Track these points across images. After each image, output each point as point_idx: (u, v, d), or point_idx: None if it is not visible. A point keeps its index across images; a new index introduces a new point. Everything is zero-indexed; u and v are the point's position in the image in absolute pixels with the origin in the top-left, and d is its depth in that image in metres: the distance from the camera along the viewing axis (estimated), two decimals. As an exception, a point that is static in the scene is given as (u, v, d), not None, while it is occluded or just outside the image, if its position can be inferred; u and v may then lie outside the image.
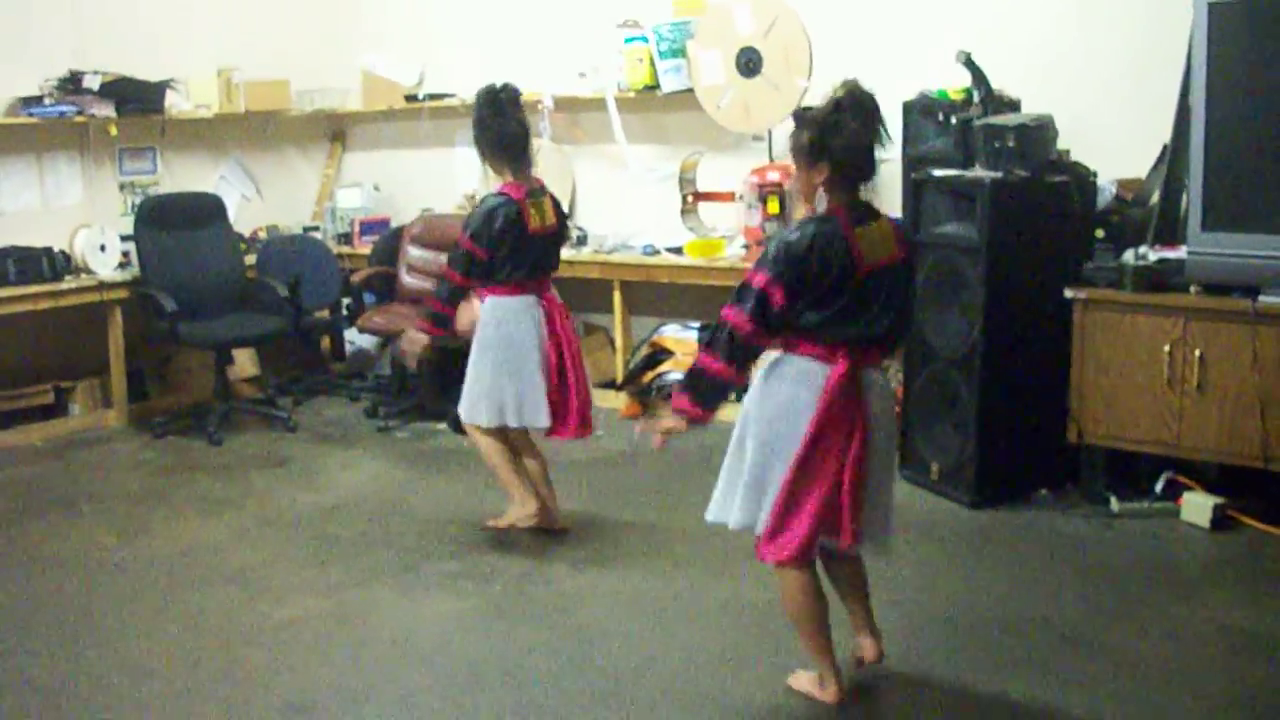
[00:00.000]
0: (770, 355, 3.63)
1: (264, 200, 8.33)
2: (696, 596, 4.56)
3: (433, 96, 8.01)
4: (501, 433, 5.07)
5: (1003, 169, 5.35)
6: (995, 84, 5.89)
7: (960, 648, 4.17)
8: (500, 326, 4.96)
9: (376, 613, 4.58)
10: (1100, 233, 5.72)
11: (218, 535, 5.42)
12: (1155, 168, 5.76)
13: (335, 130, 8.76)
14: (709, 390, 3.55)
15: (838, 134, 3.41)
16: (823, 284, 3.41)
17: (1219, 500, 5.14)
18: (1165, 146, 5.66)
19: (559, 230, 5.10)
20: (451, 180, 8.14)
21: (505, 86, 4.98)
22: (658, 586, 4.71)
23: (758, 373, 3.68)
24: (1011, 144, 5.31)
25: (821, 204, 3.55)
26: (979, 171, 5.42)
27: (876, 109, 3.47)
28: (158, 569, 5.05)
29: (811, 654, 3.78)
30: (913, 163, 6.09)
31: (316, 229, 8.21)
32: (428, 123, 8.18)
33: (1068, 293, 5.37)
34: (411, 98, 8.06)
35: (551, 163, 7.71)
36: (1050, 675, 3.94)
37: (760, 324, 3.43)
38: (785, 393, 3.55)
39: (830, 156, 3.44)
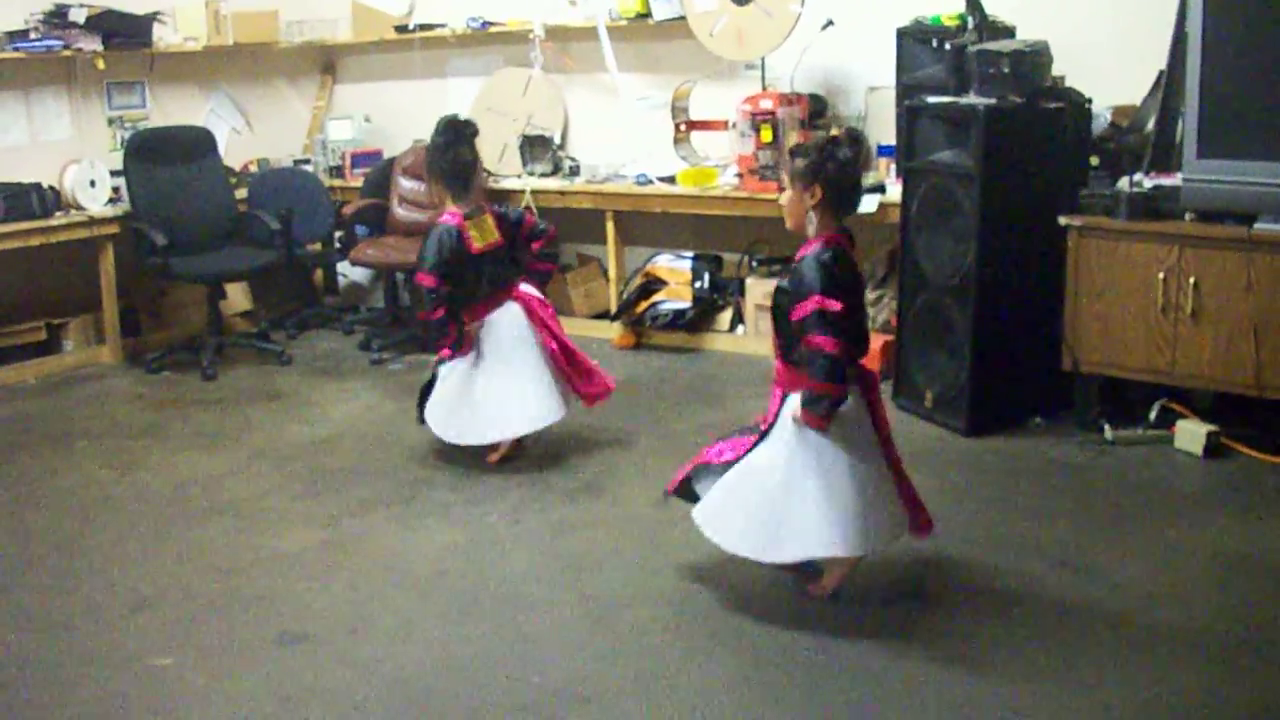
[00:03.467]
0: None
1: (254, 133, 8.28)
2: (690, 521, 4.55)
3: (423, 27, 7.93)
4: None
5: (997, 95, 5.31)
6: (990, 10, 5.84)
7: (952, 574, 4.19)
8: (490, 345, 5.20)
9: (373, 543, 4.60)
10: (1095, 160, 5.69)
11: (213, 469, 5.42)
12: (1151, 94, 5.73)
13: (326, 62, 8.68)
14: (832, 406, 3.74)
15: (833, 160, 3.72)
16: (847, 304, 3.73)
17: (1212, 428, 5.14)
18: (1161, 73, 5.63)
19: (510, 241, 5.28)
20: (444, 111, 8.04)
21: (465, 121, 5.29)
22: (650, 513, 4.73)
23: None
24: (1006, 70, 5.27)
25: (811, 227, 3.79)
26: (973, 98, 5.38)
27: (866, 149, 3.98)
28: (153, 502, 5.06)
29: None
30: (907, 90, 6.05)
31: (307, 162, 8.16)
32: (418, 53, 8.10)
33: (1062, 220, 5.35)
34: (402, 28, 7.98)
35: (543, 92, 7.66)
36: (1043, 599, 3.96)
37: (841, 339, 3.67)
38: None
39: (825, 180, 3.73)
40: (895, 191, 5.93)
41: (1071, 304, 5.40)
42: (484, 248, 5.16)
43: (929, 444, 5.39)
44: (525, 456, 5.35)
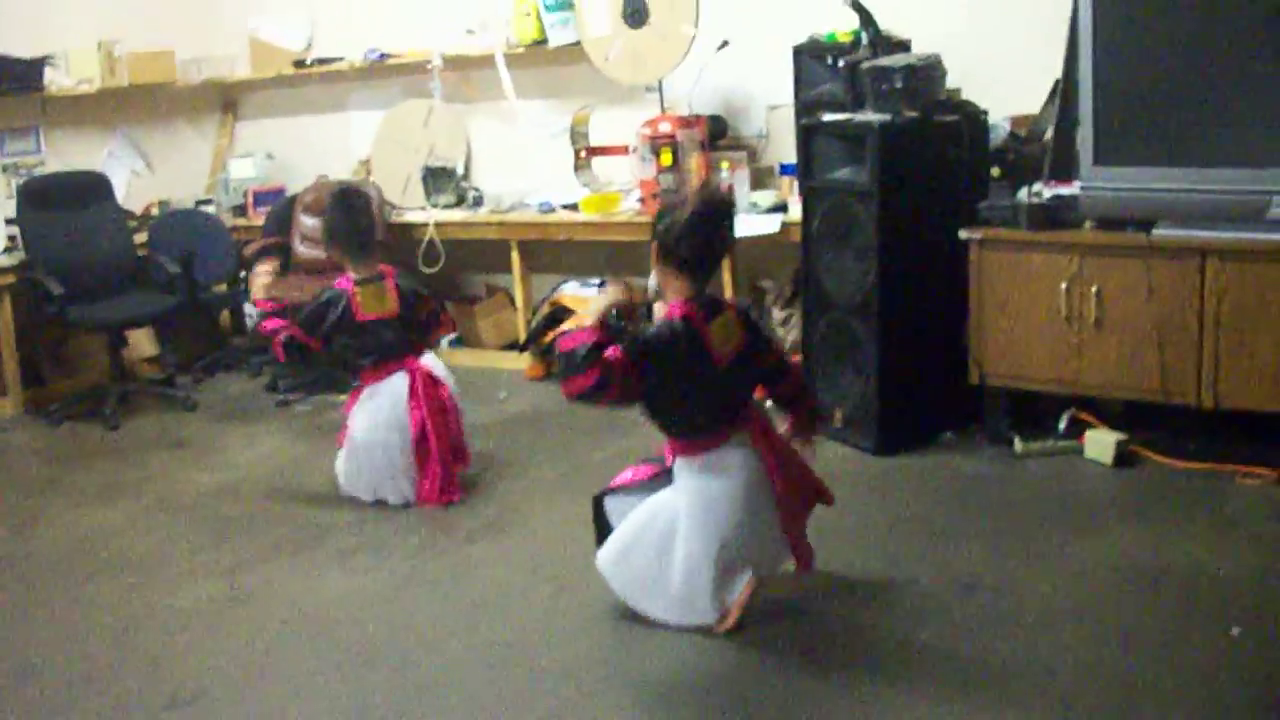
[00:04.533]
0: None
1: (155, 175, 8.11)
2: (593, 559, 4.46)
3: (321, 61, 7.82)
4: None
5: (891, 111, 5.28)
6: (884, 25, 5.82)
7: (857, 601, 4.13)
8: (372, 408, 5.20)
9: (271, 594, 4.48)
10: (996, 171, 5.67)
11: (113, 522, 5.28)
12: (1048, 102, 5.71)
13: (226, 100, 8.54)
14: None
15: (674, 234, 3.73)
16: (674, 371, 3.75)
17: (1121, 436, 5.12)
18: (1057, 81, 5.61)
19: (404, 312, 5.25)
20: (346, 144, 7.98)
21: (357, 190, 5.54)
22: (555, 551, 4.63)
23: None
24: (899, 85, 5.23)
25: (668, 300, 3.86)
26: (868, 115, 5.35)
27: (730, 212, 3.97)
28: (50, 560, 4.91)
29: None
30: (806, 108, 6.02)
31: (210, 202, 8.01)
32: (317, 87, 8.00)
33: (962, 233, 5.32)
34: (300, 63, 7.87)
35: (444, 123, 7.58)
36: (945, 620, 3.91)
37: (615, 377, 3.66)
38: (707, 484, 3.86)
39: (680, 256, 3.76)
40: (797, 211, 5.89)
41: (976, 317, 5.37)
42: (372, 316, 5.17)
43: (839, 465, 5.33)
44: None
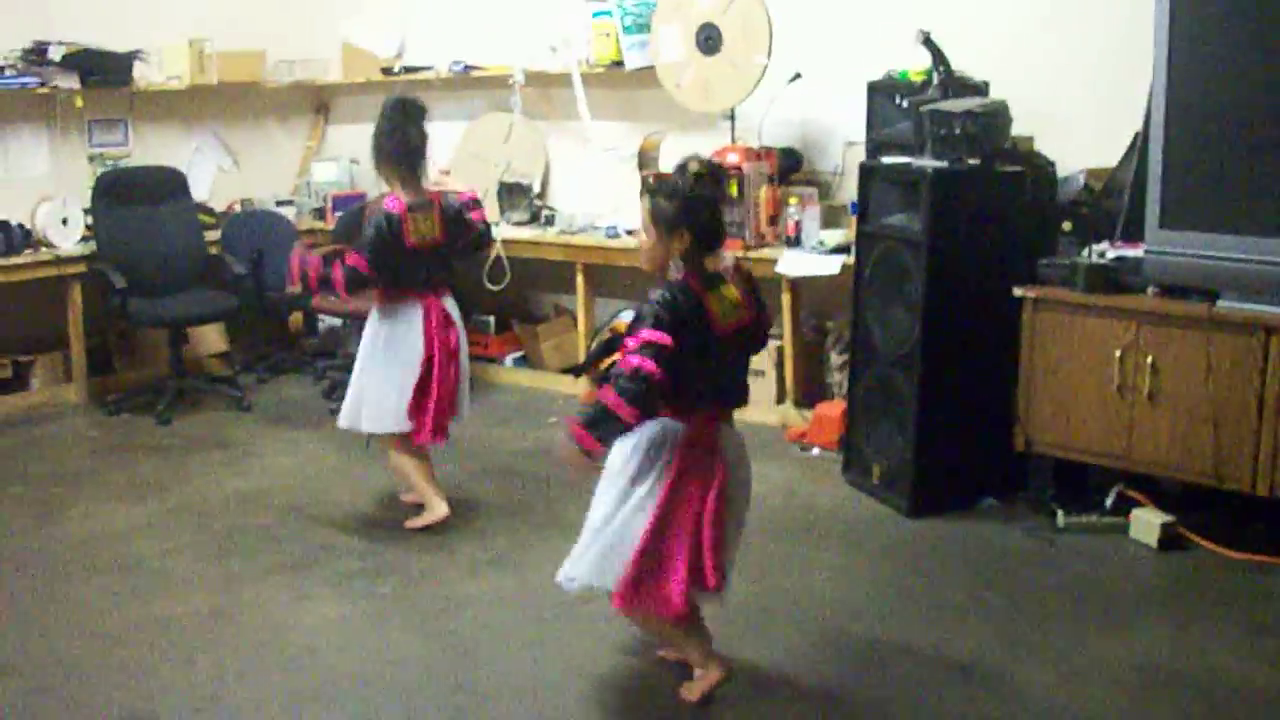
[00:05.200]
0: None
1: (242, 172, 8.16)
2: (590, 603, 4.27)
3: (409, 69, 7.79)
4: (405, 440, 5.05)
5: (950, 157, 5.02)
6: (963, 65, 5.56)
7: (840, 662, 3.94)
8: (386, 335, 5.00)
9: (258, 612, 4.40)
10: (1067, 226, 5.39)
11: (130, 523, 5.27)
12: (1127, 156, 5.40)
13: (318, 102, 8.57)
14: (613, 433, 3.45)
15: (702, 203, 3.48)
16: (682, 346, 3.39)
17: (1168, 519, 4.80)
18: (1137, 134, 5.30)
19: (448, 240, 5.03)
20: (430, 153, 7.91)
21: (413, 99, 4.99)
22: (552, 596, 4.38)
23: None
24: (958, 131, 4.97)
25: (675, 271, 3.53)
26: (925, 160, 5.10)
27: (724, 186, 3.73)
28: (56, 558, 4.91)
29: (692, 656, 3.75)
30: (875, 147, 5.79)
31: (290, 203, 8.03)
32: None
33: (1016, 291, 5.04)
34: (388, 70, 7.85)
35: (524, 139, 7.48)
36: (922, 708, 3.67)
37: (666, 372, 3.35)
38: (645, 452, 3.54)
39: (695, 225, 3.47)
40: (859, 254, 5.66)
41: (1025, 380, 5.08)
42: (419, 243, 4.88)
43: (869, 524, 5.10)
44: (448, 523, 5.11)
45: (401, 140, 4.87)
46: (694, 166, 3.49)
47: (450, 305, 5.07)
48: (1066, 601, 4.39)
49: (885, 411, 5.29)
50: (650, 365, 3.32)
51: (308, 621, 4.34)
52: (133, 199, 6.96)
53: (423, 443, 5.03)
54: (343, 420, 5.13)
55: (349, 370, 6.83)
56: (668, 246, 3.49)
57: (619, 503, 3.57)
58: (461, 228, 5.09)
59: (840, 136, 6.46)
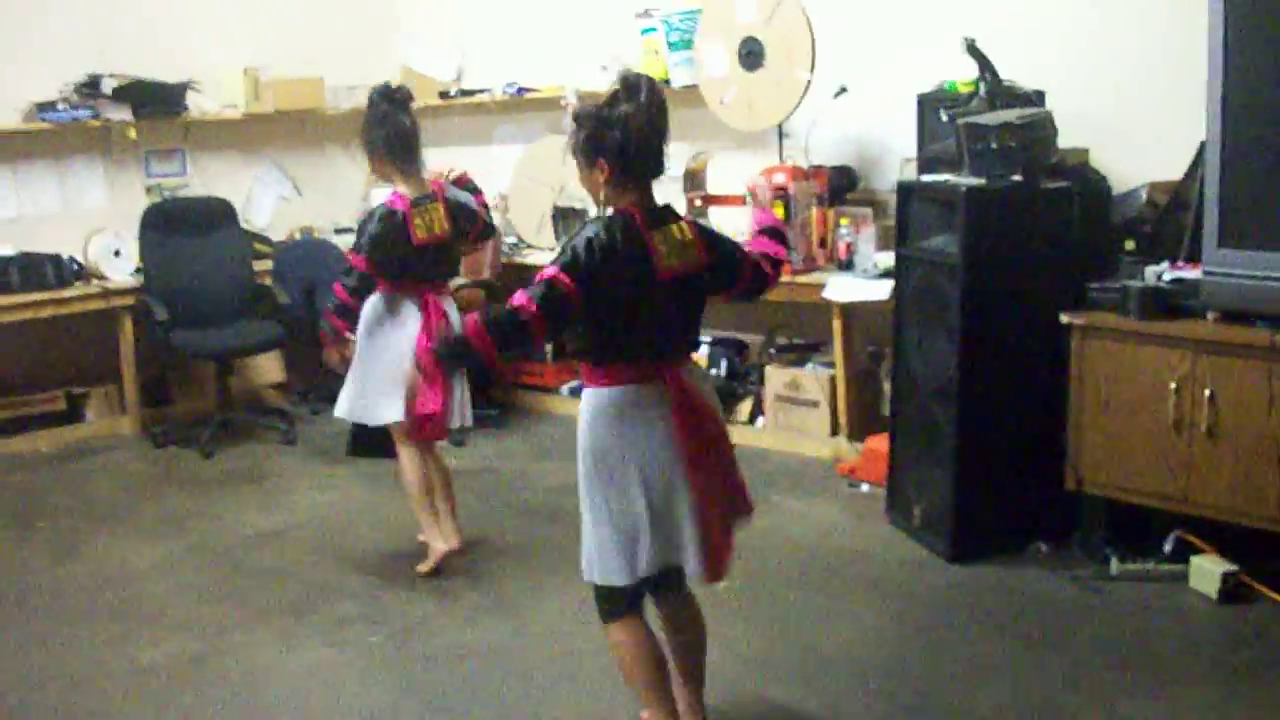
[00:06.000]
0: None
1: (304, 200, 8.08)
2: (595, 655, 3.93)
3: (465, 92, 7.62)
4: (419, 454, 4.84)
5: (988, 174, 4.65)
6: (1015, 74, 5.18)
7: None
8: (387, 325, 4.75)
9: (242, 659, 4.22)
10: (1130, 244, 4.97)
11: (145, 562, 5.14)
12: (1192, 168, 4.95)
13: (382, 128, 8.45)
14: (457, 357, 3.38)
15: (615, 127, 3.04)
16: (617, 289, 3.05)
17: (1231, 568, 4.33)
18: (1203, 144, 4.85)
19: (456, 233, 4.77)
20: (488, 178, 7.73)
21: (399, 86, 4.77)
22: (549, 648, 4.21)
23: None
24: (994, 145, 4.59)
25: (609, 203, 3.15)
26: (962, 177, 4.73)
27: (656, 97, 3.08)
28: (62, 598, 4.80)
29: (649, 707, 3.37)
30: (927, 164, 5.43)
31: (349, 230, 7.91)
32: (462, 119, 7.80)
33: (1064, 317, 4.63)
34: (444, 94, 7.69)
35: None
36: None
37: (545, 310, 3.01)
38: (598, 427, 3.18)
39: (609, 152, 3.06)
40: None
41: (1075, 414, 4.67)
42: (427, 239, 4.67)
43: (905, 570, 4.73)
44: (458, 564, 4.89)
45: (394, 129, 4.64)
46: (614, 84, 3.11)
47: (449, 305, 4.82)
48: (1107, 660, 3.97)
49: (926, 447, 4.92)
50: (532, 309, 2.99)
51: (289, 669, 4.15)
52: (181, 230, 6.91)
53: (424, 439, 4.79)
54: (338, 410, 4.93)
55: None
56: (594, 181, 3.12)
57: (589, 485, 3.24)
58: (469, 219, 4.85)
59: (898, 153, 6.09)
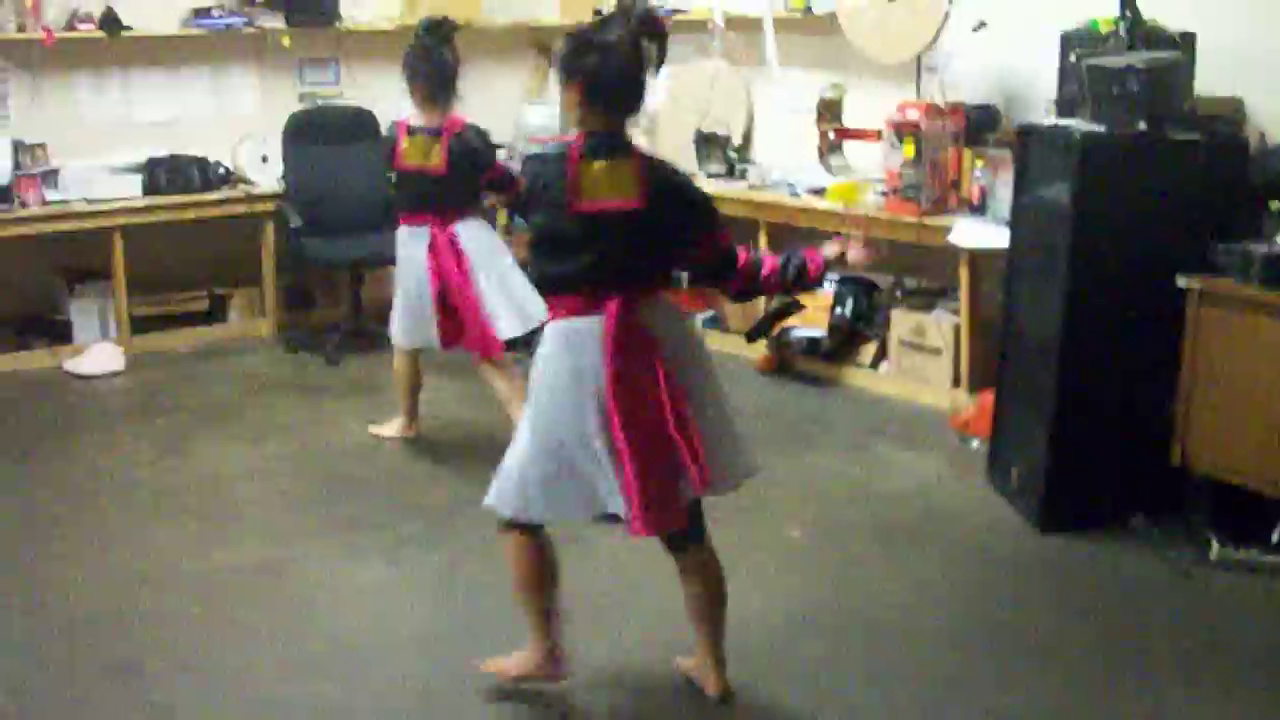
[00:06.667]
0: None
1: (461, 115, 8.05)
2: (653, 587, 3.83)
3: (616, 12, 7.47)
4: (413, 357, 5.32)
5: (1109, 121, 4.32)
6: (1170, 13, 4.78)
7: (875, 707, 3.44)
8: (401, 253, 5.15)
9: (303, 571, 4.30)
10: (1276, 205, 4.57)
11: (243, 465, 5.26)
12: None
13: (540, 43, 8.36)
14: None
15: (594, 53, 3.00)
16: (539, 216, 3.14)
17: (1342, 562, 4.01)
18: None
19: (451, 174, 4.96)
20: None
21: (442, 19, 5.09)
22: (610, 575, 4.16)
23: None
24: (1114, 90, 4.26)
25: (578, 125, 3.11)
26: (1080, 123, 4.41)
27: (652, 29, 3.03)
28: (153, 496, 4.96)
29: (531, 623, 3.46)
30: (1065, 106, 5.08)
31: (501, 147, 7.88)
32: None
33: (1180, 280, 4.30)
34: (597, 12, 7.55)
35: (729, 86, 7.06)
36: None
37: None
38: (539, 361, 3.21)
39: (581, 77, 3.02)
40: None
41: (1186, 386, 4.34)
42: (412, 167, 4.98)
43: (990, 535, 4.50)
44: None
45: (432, 64, 4.95)
46: (612, 10, 3.10)
47: (466, 230, 5.00)
48: (1181, 655, 3.70)
49: (1028, 407, 4.65)
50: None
51: (341, 586, 4.20)
52: (322, 139, 6.97)
53: (467, 348, 5.09)
54: (395, 334, 5.31)
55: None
56: (569, 101, 3.06)
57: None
58: (473, 165, 4.99)
59: (1044, 93, 5.73)
